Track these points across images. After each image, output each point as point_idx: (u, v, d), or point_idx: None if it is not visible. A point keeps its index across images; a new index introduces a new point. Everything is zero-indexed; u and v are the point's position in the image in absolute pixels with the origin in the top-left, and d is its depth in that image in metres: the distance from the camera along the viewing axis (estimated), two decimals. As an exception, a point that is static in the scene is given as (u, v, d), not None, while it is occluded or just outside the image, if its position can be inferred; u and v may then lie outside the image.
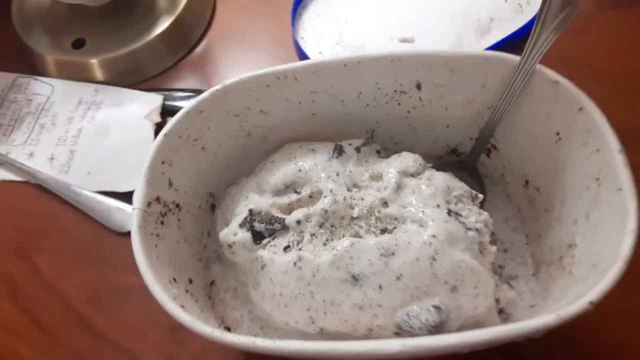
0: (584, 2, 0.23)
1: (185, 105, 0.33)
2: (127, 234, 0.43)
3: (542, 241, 0.36)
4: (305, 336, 0.31)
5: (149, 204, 0.30)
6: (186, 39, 0.53)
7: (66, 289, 0.41)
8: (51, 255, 0.43)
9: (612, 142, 0.29)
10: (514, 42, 0.47)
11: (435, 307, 0.29)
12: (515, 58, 0.32)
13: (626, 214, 0.27)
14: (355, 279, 0.29)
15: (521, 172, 0.37)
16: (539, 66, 0.32)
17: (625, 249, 0.26)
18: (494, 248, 0.32)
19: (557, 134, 0.33)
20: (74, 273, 0.42)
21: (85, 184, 0.45)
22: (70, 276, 0.41)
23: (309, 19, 0.53)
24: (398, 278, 0.29)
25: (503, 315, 0.33)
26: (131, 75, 0.51)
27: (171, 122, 0.32)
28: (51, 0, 0.53)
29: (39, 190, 0.46)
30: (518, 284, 0.36)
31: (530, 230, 0.37)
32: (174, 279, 0.30)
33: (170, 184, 0.33)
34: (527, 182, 0.36)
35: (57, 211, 0.44)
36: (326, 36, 0.52)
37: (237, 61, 0.52)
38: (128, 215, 0.43)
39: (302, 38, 0.51)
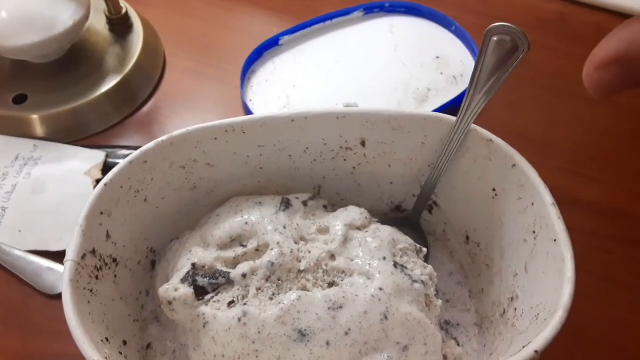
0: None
1: (129, 158, 0.32)
2: (58, 297, 0.40)
3: (484, 296, 0.36)
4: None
5: (83, 256, 0.29)
6: (133, 98, 0.53)
7: (-15, 356, 0.37)
8: (-29, 319, 0.39)
9: (545, 196, 0.30)
10: (450, 110, 0.50)
11: (384, 362, 0.28)
12: (451, 118, 0.34)
13: (563, 263, 0.28)
14: (302, 334, 0.28)
15: (462, 228, 0.38)
16: (474, 126, 0.34)
17: (565, 298, 0.26)
18: (439, 302, 0.32)
19: (494, 189, 0.34)
20: (-4, 338, 0.38)
21: (15, 242, 0.42)
22: (-9, 342, 0.38)
23: (258, 83, 0.54)
24: (346, 333, 0.28)
25: (450, 372, 0.33)
26: (74, 132, 0.50)
27: (113, 171, 0.31)
28: (-6, 55, 0.52)
29: (-38, 248, 0.42)
30: (463, 341, 0.36)
31: (473, 286, 0.38)
32: (107, 339, 0.28)
33: (108, 236, 0.31)
34: (467, 237, 0.37)
35: (-19, 271, 0.41)
36: (274, 100, 0.53)
37: (185, 121, 0.52)
38: (59, 276, 0.41)
39: (250, 101, 0.52)
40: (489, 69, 0.32)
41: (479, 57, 0.32)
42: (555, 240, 0.29)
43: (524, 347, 0.26)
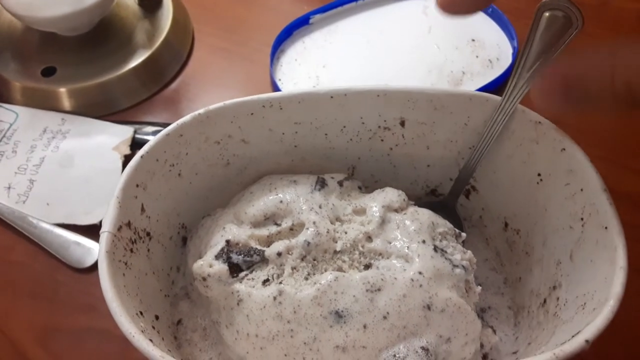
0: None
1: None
2: (84, 270, 0.40)
3: (521, 285, 0.35)
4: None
5: (119, 228, 0.28)
6: (161, 74, 0.52)
7: (14, 329, 0.37)
8: (0, 291, 0.39)
9: (597, 181, 0.29)
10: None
11: (424, 348, 0.27)
12: (498, 98, 0.33)
13: (615, 252, 0.26)
14: (339, 315, 0.28)
15: (500, 213, 0.36)
16: (521, 107, 0.32)
17: (617, 287, 0.25)
18: (479, 288, 0.31)
19: (539, 174, 0.33)
20: (24, 311, 0.38)
21: (43, 215, 0.42)
22: (19, 314, 0.38)
23: (287, 62, 0.53)
24: (385, 317, 0.28)
25: (487, 360, 0.32)
26: (101, 107, 0.49)
27: (149, 143, 0.31)
28: (23, 26, 0.51)
29: (-8, 220, 0.42)
30: (499, 329, 0.35)
31: (509, 274, 0.37)
32: (141, 313, 0.28)
33: (143, 209, 0.31)
34: (506, 224, 0.36)
35: (10, 243, 0.41)
36: (304, 80, 0.52)
37: (212, 99, 0.51)
38: (86, 251, 0.41)
39: (279, 80, 0.51)
40: (539, 47, 0.31)
41: (529, 33, 0.31)
42: (606, 228, 0.28)
43: (572, 336, 0.25)
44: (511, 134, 0.33)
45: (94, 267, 0.40)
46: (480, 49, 0.53)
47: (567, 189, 0.31)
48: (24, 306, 0.38)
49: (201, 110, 0.32)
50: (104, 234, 0.27)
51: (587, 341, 0.24)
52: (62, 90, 0.49)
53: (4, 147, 0.46)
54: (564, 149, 0.31)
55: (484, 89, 0.49)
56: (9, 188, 0.44)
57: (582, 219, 0.30)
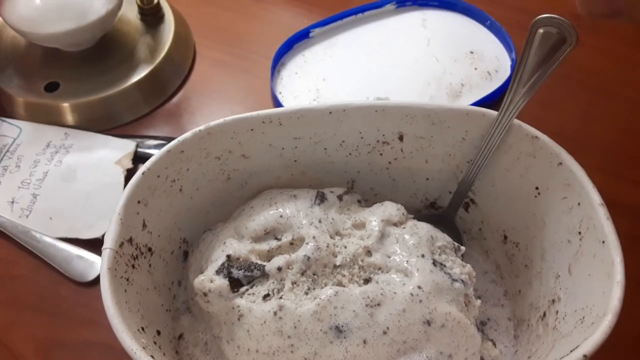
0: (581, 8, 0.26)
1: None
2: (87, 285, 0.40)
3: (521, 298, 0.35)
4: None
5: (121, 245, 0.29)
6: (163, 89, 0.53)
7: (17, 342, 0.37)
8: (2, 305, 0.39)
9: (594, 195, 0.29)
10: (484, 107, 0.49)
11: (423, 362, 0.27)
12: (495, 113, 0.33)
13: (612, 266, 0.27)
14: (339, 330, 0.28)
15: (499, 226, 0.37)
16: (518, 122, 0.33)
17: (614, 302, 0.25)
18: (478, 302, 0.31)
19: (536, 188, 0.33)
20: (27, 324, 0.38)
21: (46, 229, 0.43)
22: (22, 328, 0.38)
23: (288, 75, 0.54)
24: (384, 332, 0.28)
25: (487, 374, 0.32)
26: (104, 121, 0.50)
27: (151, 160, 0.31)
28: (26, 42, 0.52)
29: (-5, 234, 0.43)
30: (498, 341, 0.35)
31: (509, 287, 0.37)
32: (142, 329, 0.28)
33: (144, 225, 0.31)
34: (505, 237, 0.37)
35: (13, 257, 0.41)
36: (304, 93, 0.52)
37: (214, 113, 0.52)
38: (89, 265, 0.41)
39: (280, 93, 0.52)
40: (533, 62, 0.31)
41: (523, 49, 0.31)
42: (603, 242, 0.28)
43: (571, 350, 0.25)
44: (508, 148, 0.33)
45: (97, 281, 0.40)
46: (479, 61, 0.53)
47: (565, 203, 0.31)
48: (27, 320, 0.39)
49: (202, 127, 0.32)
50: (106, 251, 0.28)
51: (585, 356, 0.24)
52: (65, 105, 0.49)
53: (8, 162, 0.47)
54: (561, 163, 0.31)
55: (482, 101, 0.49)
56: (12, 202, 0.44)
57: (579, 232, 0.30)
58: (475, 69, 0.53)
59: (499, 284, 0.37)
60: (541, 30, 0.30)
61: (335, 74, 0.54)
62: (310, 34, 0.55)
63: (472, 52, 0.54)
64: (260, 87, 0.53)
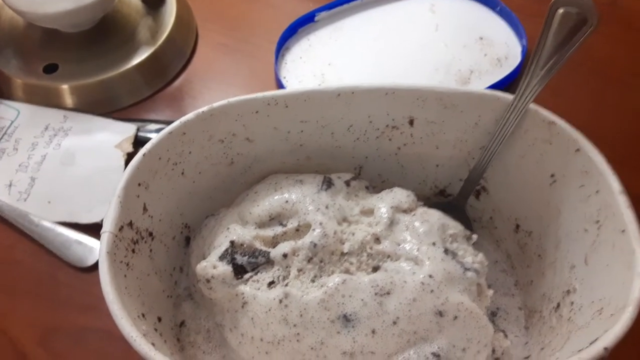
0: None
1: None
2: (86, 270, 0.39)
3: (533, 288, 0.34)
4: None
5: (120, 228, 0.27)
6: (164, 72, 0.51)
7: (14, 328, 0.36)
8: (0, 290, 0.38)
9: (613, 183, 0.28)
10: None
11: (435, 354, 0.26)
12: (510, 97, 0.32)
13: (633, 256, 0.26)
14: (346, 319, 0.27)
15: (511, 215, 0.36)
16: (534, 106, 0.32)
17: (635, 293, 0.24)
18: (490, 291, 0.30)
19: (552, 175, 0.32)
20: (25, 311, 0.37)
21: (44, 213, 0.42)
22: (20, 314, 0.37)
23: (292, 60, 0.52)
24: (394, 322, 0.27)
25: (498, 366, 0.31)
26: (104, 104, 0.49)
27: (151, 141, 0.30)
28: (25, 23, 0.51)
29: (-8, 218, 0.42)
30: (508, 330, 0.34)
31: (520, 277, 0.36)
32: (143, 315, 0.27)
33: (145, 209, 0.30)
34: (517, 225, 0.35)
35: (11, 242, 0.41)
36: (309, 78, 0.51)
37: (216, 97, 0.50)
38: (88, 250, 0.40)
39: (284, 78, 0.51)
40: (552, 44, 0.30)
41: (542, 30, 0.30)
42: (623, 231, 0.27)
43: (590, 343, 0.24)
44: (523, 134, 0.32)
45: (96, 266, 0.38)
46: (489, 47, 0.52)
47: (582, 191, 0.30)
48: (25, 305, 0.38)
49: (205, 108, 0.31)
50: (105, 234, 0.27)
51: (605, 349, 0.23)
52: (64, 87, 0.48)
53: (5, 145, 0.46)
54: (579, 150, 0.30)
55: (492, 87, 0.48)
56: (10, 186, 0.43)
57: (597, 221, 0.29)
58: (485, 55, 0.52)
59: (510, 273, 0.36)
60: (561, 11, 0.29)
61: (340, 58, 0.52)
62: (316, 18, 0.54)
63: (481, 38, 0.53)
64: (264, 72, 0.51)
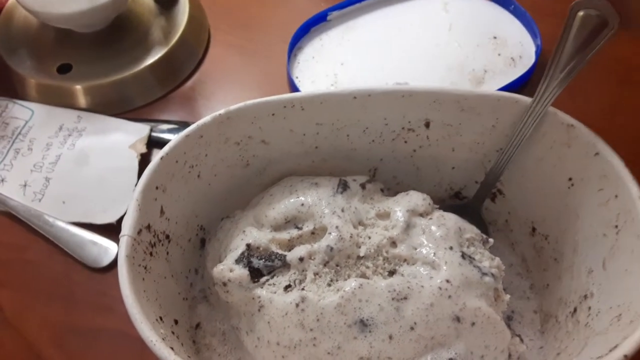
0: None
1: (173, 136, 0.31)
2: (101, 270, 0.39)
3: (549, 292, 0.34)
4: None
5: (139, 232, 0.27)
6: (177, 72, 0.51)
7: (29, 328, 0.37)
8: (15, 290, 0.39)
9: (633, 188, 0.28)
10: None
11: None
12: (528, 100, 0.32)
13: (653, 261, 0.25)
14: (363, 324, 0.27)
15: (528, 218, 0.35)
16: (552, 109, 0.31)
17: (656, 299, 0.24)
18: (507, 296, 0.30)
19: (570, 179, 0.32)
20: (39, 311, 0.38)
21: (59, 214, 0.42)
22: (34, 314, 0.37)
23: (305, 60, 0.52)
24: (412, 328, 0.27)
25: (514, 371, 0.31)
26: (117, 104, 0.49)
27: (169, 145, 0.30)
28: (39, 23, 0.51)
29: (7, 218, 0.42)
30: (523, 334, 0.34)
31: (536, 280, 0.35)
32: (160, 318, 0.27)
33: (162, 212, 0.30)
34: (534, 229, 0.35)
35: (26, 242, 0.41)
36: (321, 78, 0.51)
37: (229, 97, 0.51)
38: (103, 250, 0.40)
39: (296, 78, 0.51)
40: (572, 47, 0.30)
41: (562, 33, 0.30)
42: (643, 237, 0.26)
43: (610, 350, 0.24)
44: (541, 137, 0.32)
45: (110, 266, 0.39)
46: (503, 46, 0.52)
47: (601, 195, 0.30)
48: (39, 306, 0.38)
49: (221, 111, 0.31)
50: (124, 238, 0.27)
51: (625, 356, 0.23)
52: (78, 87, 0.48)
53: (20, 145, 0.46)
54: (598, 153, 0.30)
55: (506, 88, 0.48)
56: (24, 186, 0.43)
57: (616, 226, 0.28)
58: (499, 54, 0.51)
59: (525, 276, 0.36)
60: (581, 13, 0.29)
61: (353, 58, 0.52)
62: (328, 17, 0.54)
63: (495, 38, 0.52)
64: (276, 72, 0.51)
